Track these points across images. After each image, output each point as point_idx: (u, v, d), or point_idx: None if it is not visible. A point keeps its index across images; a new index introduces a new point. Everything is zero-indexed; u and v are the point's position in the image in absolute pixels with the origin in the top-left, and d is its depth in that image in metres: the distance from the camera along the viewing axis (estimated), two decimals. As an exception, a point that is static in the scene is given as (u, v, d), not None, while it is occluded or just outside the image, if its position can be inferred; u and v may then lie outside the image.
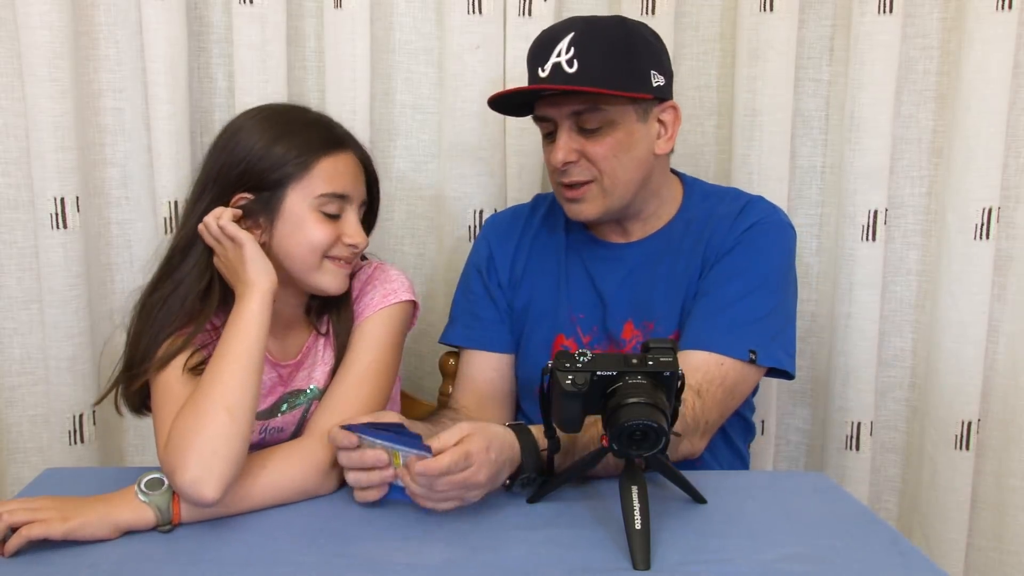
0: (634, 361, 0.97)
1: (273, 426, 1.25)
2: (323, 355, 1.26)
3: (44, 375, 1.56)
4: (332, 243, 1.16)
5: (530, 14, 1.55)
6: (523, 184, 1.61)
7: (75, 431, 1.57)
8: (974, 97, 1.53)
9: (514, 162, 1.61)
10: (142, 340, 1.14)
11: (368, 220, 1.26)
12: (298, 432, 1.26)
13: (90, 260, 1.55)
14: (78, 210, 1.50)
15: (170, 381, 1.11)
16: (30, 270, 1.55)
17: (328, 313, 1.25)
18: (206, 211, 1.14)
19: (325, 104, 1.57)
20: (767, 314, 1.26)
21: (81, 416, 1.56)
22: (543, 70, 1.23)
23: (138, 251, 1.60)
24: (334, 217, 1.16)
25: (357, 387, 1.17)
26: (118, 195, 1.58)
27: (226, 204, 1.14)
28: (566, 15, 1.59)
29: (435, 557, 0.93)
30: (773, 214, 1.33)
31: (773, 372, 1.28)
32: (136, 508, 0.98)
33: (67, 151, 1.47)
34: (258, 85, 1.53)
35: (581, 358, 0.97)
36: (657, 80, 1.25)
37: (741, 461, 1.40)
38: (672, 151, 1.31)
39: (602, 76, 1.20)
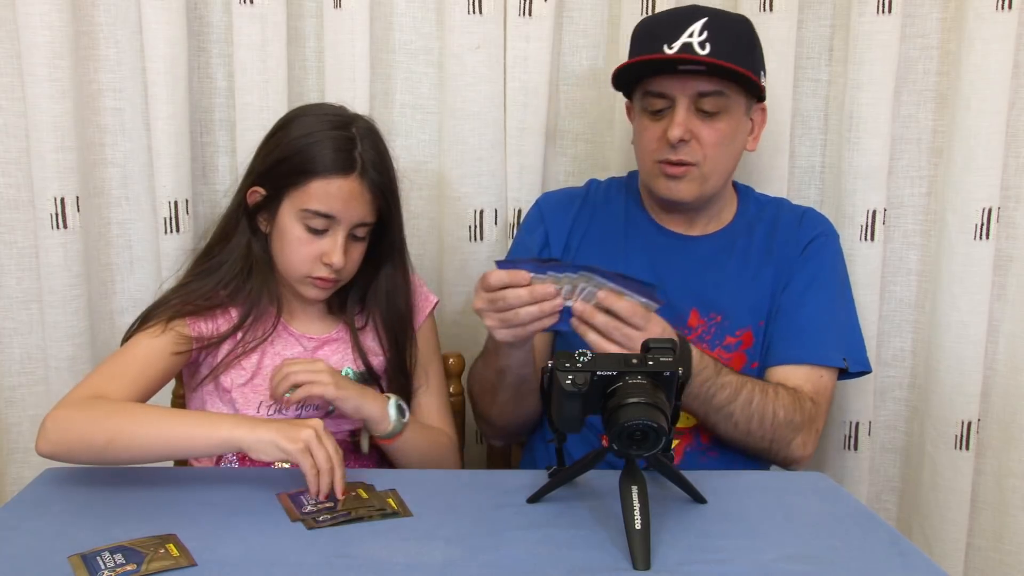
0: (634, 361, 0.97)
1: (310, 403, 1.25)
2: (355, 345, 1.31)
3: (44, 375, 1.55)
4: (313, 259, 1.21)
5: (530, 14, 1.55)
6: (523, 184, 1.61)
7: (75, 431, 1.57)
8: (974, 97, 1.53)
9: (514, 162, 1.60)
10: (161, 303, 1.24)
11: (382, 242, 1.29)
12: (331, 412, 1.25)
13: (90, 260, 1.54)
14: (78, 210, 1.50)
15: (139, 342, 1.20)
16: (30, 270, 1.55)
17: (368, 307, 1.32)
18: (242, 194, 1.25)
19: (325, 104, 1.57)
20: (846, 320, 1.35)
21: (81, 416, 1.55)
22: (670, 47, 1.23)
23: (138, 251, 1.60)
24: (320, 232, 1.21)
25: (444, 386, 1.40)
26: (118, 195, 1.58)
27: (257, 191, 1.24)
28: (567, 15, 1.60)
29: (435, 557, 0.93)
30: (828, 225, 1.43)
31: (843, 374, 1.35)
32: (383, 416, 1.20)
33: (67, 151, 1.47)
34: (258, 85, 1.53)
35: (581, 358, 0.97)
36: (763, 80, 1.30)
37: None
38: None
39: (735, 63, 1.23)
